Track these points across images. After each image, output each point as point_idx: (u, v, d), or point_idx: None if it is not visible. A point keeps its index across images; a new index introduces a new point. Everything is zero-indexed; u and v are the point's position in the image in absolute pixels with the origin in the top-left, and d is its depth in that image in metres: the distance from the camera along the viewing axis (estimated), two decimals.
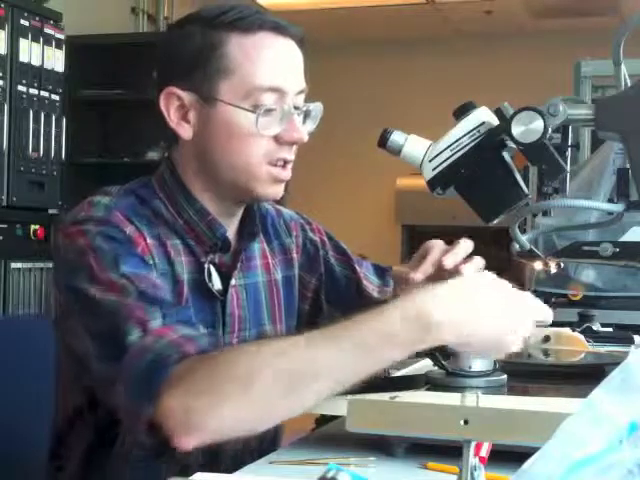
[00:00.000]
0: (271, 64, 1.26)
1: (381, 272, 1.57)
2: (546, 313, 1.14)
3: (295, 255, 1.50)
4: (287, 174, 1.30)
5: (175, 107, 1.27)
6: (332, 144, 7.10)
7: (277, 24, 1.28)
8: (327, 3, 6.09)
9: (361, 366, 1.00)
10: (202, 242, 1.29)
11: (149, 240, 1.23)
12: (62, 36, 3.65)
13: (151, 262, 1.21)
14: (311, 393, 1.01)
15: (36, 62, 3.50)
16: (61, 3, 3.76)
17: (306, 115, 1.33)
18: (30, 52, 3.47)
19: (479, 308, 1.02)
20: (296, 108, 1.29)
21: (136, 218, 1.23)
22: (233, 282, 1.33)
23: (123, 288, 1.12)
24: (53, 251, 1.23)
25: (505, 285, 1.08)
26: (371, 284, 1.54)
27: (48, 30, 3.57)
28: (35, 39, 3.50)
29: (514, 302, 1.07)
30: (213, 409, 1.00)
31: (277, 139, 1.27)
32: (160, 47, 1.32)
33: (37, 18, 3.51)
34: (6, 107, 3.37)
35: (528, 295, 1.10)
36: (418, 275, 1.31)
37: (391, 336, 0.99)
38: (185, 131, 1.27)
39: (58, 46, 3.62)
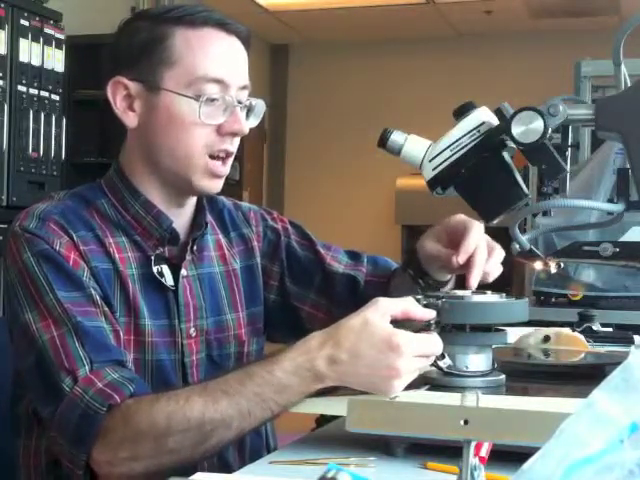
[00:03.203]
0: (214, 56, 1.30)
1: (354, 254, 1.60)
2: (433, 347, 1.13)
3: (256, 244, 1.53)
4: (226, 169, 1.34)
5: (122, 96, 1.32)
6: (332, 144, 7.10)
7: (222, 21, 1.32)
8: (327, 3, 6.09)
9: (260, 414, 1.13)
10: (150, 236, 1.33)
11: (82, 247, 1.26)
12: (62, 36, 3.65)
13: (83, 273, 1.25)
14: (217, 443, 1.14)
15: (36, 62, 3.50)
16: (61, 3, 3.76)
17: (249, 110, 1.36)
18: (30, 52, 3.47)
19: (359, 364, 1.10)
20: (239, 102, 1.32)
21: (71, 223, 1.28)
22: (184, 273, 1.36)
23: (58, 318, 1.20)
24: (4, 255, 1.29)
25: (388, 332, 1.09)
26: (339, 263, 1.57)
27: (48, 30, 3.57)
28: (35, 39, 3.49)
29: (393, 352, 1.08)
30: (132, 463, 1.14)
31: (219, 130, 1.30)
32: (112, 41, 1.37)
33: (37, 18, 3.51)
34: (6, 107, 3.36)
35: (407, 337, 1.10)
36: (461, 259, 1.34)
37: (285, 386, 1.12)
38: (130, 120, 1.32)
39: (58, 46, 3.62)
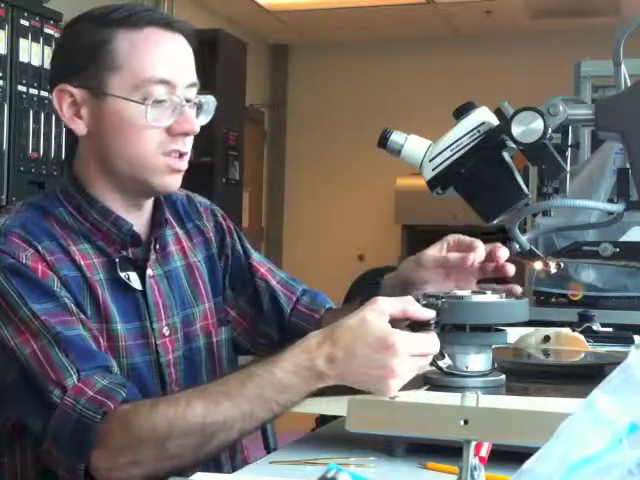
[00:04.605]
0: (159, 57, 1.28)
1: (294, 279, 1.60)
2: (430, 346, 1.12)
3: (211, 235, 1.52)
4: (183, 164, 1.32)
5: (68, 103, 1.30)
6: (332, 144, 7.11)
7: (165, 20, 1.31)
8: (327, 3, 6.09)
9: (262, 414, 1.12)
10: (111, 241, 1.32)
11: (49, 257, 1.24)
12: None
13: (53, 282, 1.23)
14: (218, 446, 1.14)
15: (36, 62, 3.50)
16: (61, 3, 3.76)
17: (199, 108, 1.35)
18: (30, 52, 3.47)
19: (355, 363, 1.10)
20: (188, 101, 1.31)
21: (34, 235, 1.25)
22: (150, 272, 1.35)
23: (37, 331, 1.18)
24: None
25: (383, 331, 1.09)
26: (273, 277, 1.56)
27: (48, 30, 3.57)
28: (35, 39, 3.50)
29: (388, 351, 1.08)
30: (133, 469, 1.14)
31: (169, 131, 1.29)
32: (55, 46, 1.36)
33: (37, 18, 3.51)
34: (6, 107, 3.37)
35: (404, 337, 1.09)
36: (479, 255, 1.37)
37: (286, 386, 1.11)
38: (78, 127, 1.30)
39: None
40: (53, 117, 3.60)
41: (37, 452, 1.22)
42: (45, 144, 3.56)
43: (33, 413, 1.18)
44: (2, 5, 3.34)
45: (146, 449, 1.12)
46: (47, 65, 3.56)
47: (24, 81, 3.45)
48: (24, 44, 3.44)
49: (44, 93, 3.55)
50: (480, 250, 1.38)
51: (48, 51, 3.56)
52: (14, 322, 1.18)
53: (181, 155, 1.31)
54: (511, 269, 1.39)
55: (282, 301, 1.54)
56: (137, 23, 1.28)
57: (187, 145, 1.32)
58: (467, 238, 1.43)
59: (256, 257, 1.57)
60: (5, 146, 3.37)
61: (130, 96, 1.26)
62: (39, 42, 3.52)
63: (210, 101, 1.36)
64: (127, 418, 1.13)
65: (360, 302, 1.44)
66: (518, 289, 1.37)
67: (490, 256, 1.39)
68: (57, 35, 3.61)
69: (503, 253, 1.38)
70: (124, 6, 1.31)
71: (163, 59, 1.28)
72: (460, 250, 1.41)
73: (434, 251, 1.43)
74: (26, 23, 3.45)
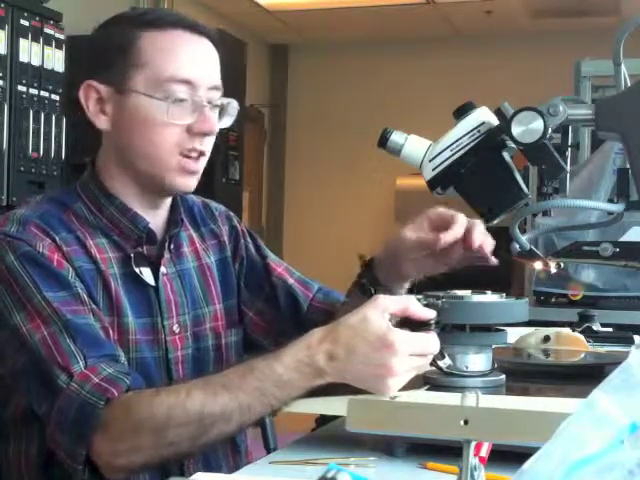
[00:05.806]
0: (181, 57, 1.32)
1: (308, 279, 1.61)
2: (430, 345, 1.12)
3: (225, 238, 1.54)
4: (199, 165, 1.35)
5: (94, 100, 1.34)
6: (332, 144, 7.10)
7: (190, 23, 1.35)
8: (327, 3, 6.09)
9: (260, 408, 1.14)
10: (127, 237, 1.35)
11: (65, 248, 1.27)
12: (62, 36, 3.64)
13: (68, 272, 1.25)
14: (217, 437, 1.16)
15: (36, 62, 3.50)
16: (61, 3, 3.76)
17: (222, 110, 1.38)
18: (30, 52, 3.47)
19: (355, 360, 1.10)
20: (209, 103, 1.34)
21: (51, 226, 1.28)
22: (164, 270, 1.38)
23: (48, 318, 1.20)
24: None
25: (383, 330, 1.09)
26: (290, 276, 1.57)
27: (48, 30, 3.57)
28: (35, 39, 3.49)
29: (387, 350, 1.08)
30: (132, 455, 1.16)
31: (189, 130, 1.32)
32: (83, 46, 1.41)
33: (37, 18, 3.51)
34: (6, 107, 3.36)
35: (403, 337, 1.09)
36: (450, 235, 1.33)
37: (285, 382, 1.12)
38: (102, 122, 1.35)
39: (58, 46, 3.62)
40: (53, 117, 3.60)
41: (42, 442, 1.24)
42: (45, 144, 3.56)
43: (39, 397, 1.20)
44: (2, 5, 3.33)
45: (145, 436, 1.14)
46: (47, 65, 3.55)
47: (24, 81, 3.44)
48: (24, 44, 3.44)
49: (44, 93, 3.54)
50: (457, 228, 1.33)
51: (48, 51, 3.56)
52: (27, 308, 1.21)
53: (200, 156, 1.34)
54: (488, 249, 1.34)
55: (299, 298, 1.56)
56: (162, 25, 1.33)
57: (205, 145, 1.34)
58: (447, 213, 1.37)
59: (272, 258, 1.59)
60: (5, 146, 3.37)
61: (152, 93, 1.29)
62: (39, 42, 3.51)
63: (233, 104, 1.39)
64: (130, 404, 1.15)
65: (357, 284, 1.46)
66: (493, 260, 1.35)
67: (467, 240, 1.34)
68: (57, 35, 3.61)
69: (477, 236, 1.33)
70: (152, 10, 1.37)
71: (185, 59, 1.32)
72: (442, 225, 1.36)
73: (414, 231, 1.39)
74: (26, 23, 3.45)
